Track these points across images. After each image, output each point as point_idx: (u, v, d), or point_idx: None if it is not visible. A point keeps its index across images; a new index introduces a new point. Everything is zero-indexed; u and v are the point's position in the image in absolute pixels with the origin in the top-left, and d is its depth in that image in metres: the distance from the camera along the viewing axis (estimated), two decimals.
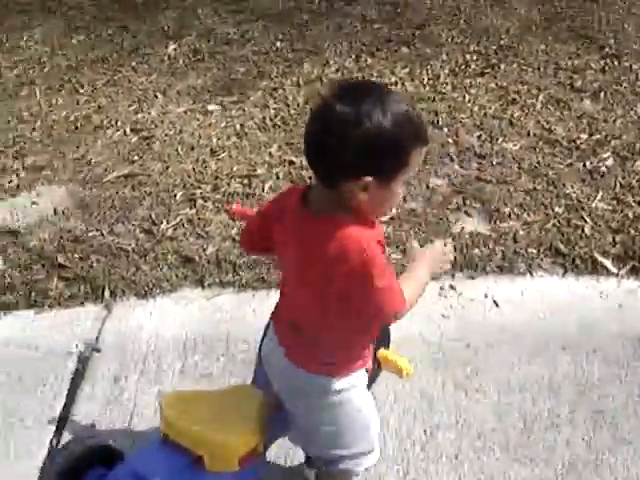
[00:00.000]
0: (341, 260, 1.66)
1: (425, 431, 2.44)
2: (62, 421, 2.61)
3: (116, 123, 4.54)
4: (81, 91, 5.00)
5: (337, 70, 4.86)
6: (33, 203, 3.86)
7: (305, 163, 3.80)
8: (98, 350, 2.88)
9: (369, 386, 2.23)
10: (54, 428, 2.58)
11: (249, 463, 1.99)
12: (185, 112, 4.58)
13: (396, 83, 4.63)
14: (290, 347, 1.91)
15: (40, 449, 2.51)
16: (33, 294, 3.23)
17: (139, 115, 4.60)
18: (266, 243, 1.92)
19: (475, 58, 4.88)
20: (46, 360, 2.87)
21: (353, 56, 5.02)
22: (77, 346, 2.92)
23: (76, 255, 3.42)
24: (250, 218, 2.14)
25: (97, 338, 2.94)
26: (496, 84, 4.55)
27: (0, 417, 2.66)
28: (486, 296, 3.00)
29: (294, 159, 3.94)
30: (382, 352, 2.15)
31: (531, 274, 3.09)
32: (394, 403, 2.54)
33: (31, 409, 2.67)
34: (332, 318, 1.79)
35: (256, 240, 2.00)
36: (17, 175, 4.13)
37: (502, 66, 4.75)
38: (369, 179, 1.63)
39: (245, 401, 2.09)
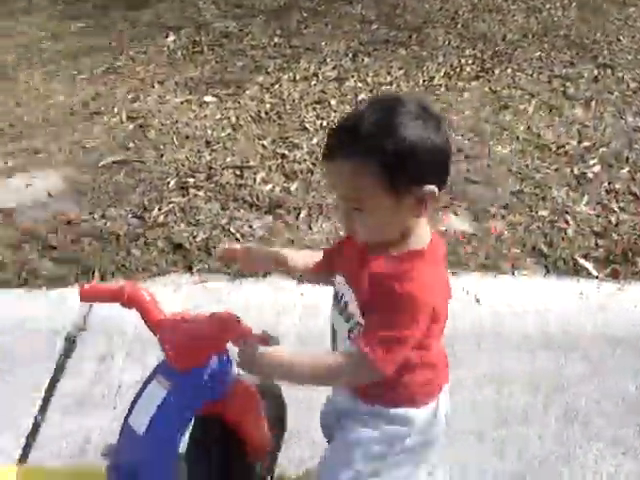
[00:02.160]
0: None
1: None
2: (47, 397, 2.65)
3: (113, 110, 4.59)
4: (79, 77, 5.05)
5: (334, 68, 4.92)
6: (27, 185, 3.91)
7: (298, 156, 3.93)
8: (85, 330, 2.93)
9: None
10: (40, 403, 2.63)
11: None
12: (182, 103, 4.63)
13: (391, 83, 4.70)
14: None
15: (25, 422, 2.56)
16: (24, 273, 3.28)
17: (136, 104, 4.66)
18: None
19: (470, 62, 4.95)
20: (34, 338, 2.91)
21: (350, 55, 5.08)
22: (65, 326, 2.96)
23: (68, 237, 3.47)
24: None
25: (85, 318, 2.99)
26: (489, 88, 4.61)
27: None
28: (468, 293, 3.06)
29: (287, 153, 4.00)
30: None
31: (513, 273, 3.16)
32: None
33: (18, 385, 2.71)
34: None
35: None
36: (13, 157, 4.18)
37: (496, 71, 4.82)
38: None
39: None
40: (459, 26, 5.49)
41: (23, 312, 3.06)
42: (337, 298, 1.78)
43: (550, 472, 2.34)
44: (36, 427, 2.55)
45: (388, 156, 1.53)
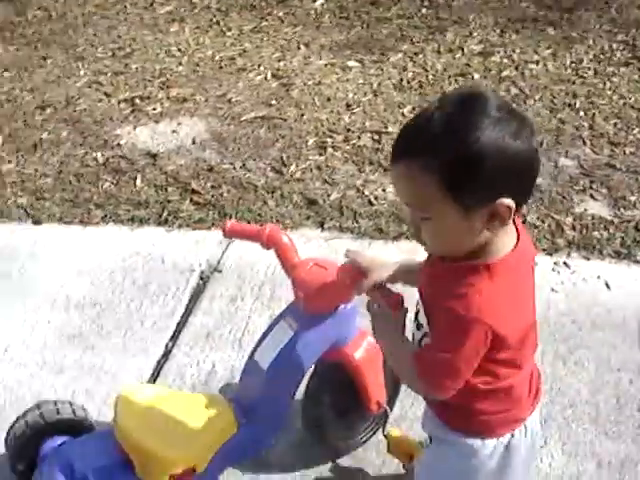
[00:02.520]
0: None
1: None
2: (179, 328, 2.81)
3: (258, 67, 4.71)
4: (228, 34, 5.19)
5: (480, 42, 4.87)
6: (173, 131, 4.09)
7: None
8: (219, 271, 3.06)
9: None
10: (171, 333, 2.79)
11: None
12: (325, 65, 4.70)
13: (537, 62, 4.62)
14: None
15: (156, 349, 2.73)
16: (165, 213, 3.45)
17: (281, 63, 4.76)
18: None
19: (622, 48, 4.79)
20: (171, 273, 3.08)
21: (498, 30, 5.01)
22: (200, 265, 3.11)
23: (209, 183, 3.62)
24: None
25: (219, 261, 3.13)
26: None
27: (124, 318, 2.88)
28: (599, 278, 3.01)
29: None
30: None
31: None
32: None
33: (152, 314, 2.88)
34: None
35: None
36: (161, 104, 4.37)
37: None
38: None
39: (207, 414, 2.02)
40: (612, 11, 5.31)
41: (162, 249, 3.23)
42: (416, 304, 1.68)
43: None
44: (166, 354, 2.71)
45: (453, 165, 1.38)
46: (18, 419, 2.16)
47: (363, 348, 2.15)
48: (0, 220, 3.51)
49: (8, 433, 2.17)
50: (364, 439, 2.36)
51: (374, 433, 2.36)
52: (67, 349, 2.76)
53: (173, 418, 1.98)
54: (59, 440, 2.10)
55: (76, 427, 2.16)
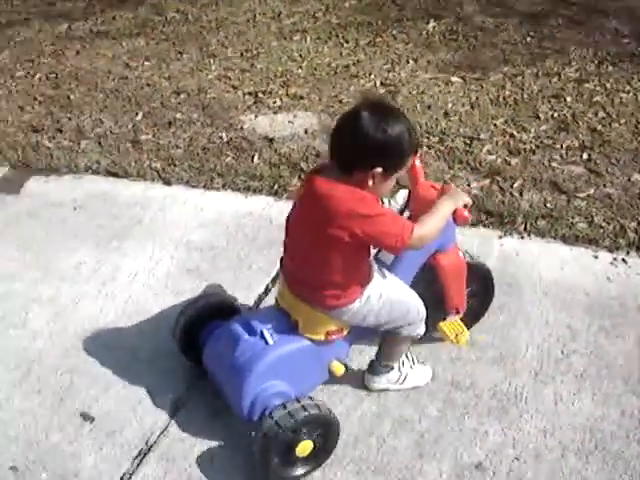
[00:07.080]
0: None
1: (562, 352, 2.92)
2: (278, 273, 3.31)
3: (369, 76, 5.23)
4: (345, 45, 5.74)
5: (576, 70, 5.24)
6: (289, 122, 4.64)
7: (525, 137, 4.35)
8: None
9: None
10: (272, 276, 3.31)
11: (334, 339, 2.54)
12: (430, 79, 5.17)
13: (628, 92, 4.96)
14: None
15: (259, 286, 3.27)
16: (276, 186, 3.98)
17: (390, 74, 5.26)
18: None
19: None
20: (277, 231, 3.57)
21: (595, 62, 5.37)
22: None
23: (315, 165, 4.13)
24: None
25: None
26: None
27: (235, 260, 3.42)
28: None
29: (515, 133, 4.44)
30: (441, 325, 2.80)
31: None
32: (543, 326, 3.05)
33: (258, 261, 3.40)
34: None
35: None
36: (280, 99, 4.94)
37: None
38: (378, 170, 2.22)
39: None
40: None
41: (270, 213, 3.76)
42: None
43: None
44: (267, 291, 3.23)
45: None
46: (186, 307, 2.80)
47: (451, 259, 2.71)
48: (136, 179, 4.12)
49: (176, 323, 2.78)
50: None
51: None
52: (185, 279, 3.30)
53: None
54: (217, 323, 2.69)
55: (230, 310, 2.79)
